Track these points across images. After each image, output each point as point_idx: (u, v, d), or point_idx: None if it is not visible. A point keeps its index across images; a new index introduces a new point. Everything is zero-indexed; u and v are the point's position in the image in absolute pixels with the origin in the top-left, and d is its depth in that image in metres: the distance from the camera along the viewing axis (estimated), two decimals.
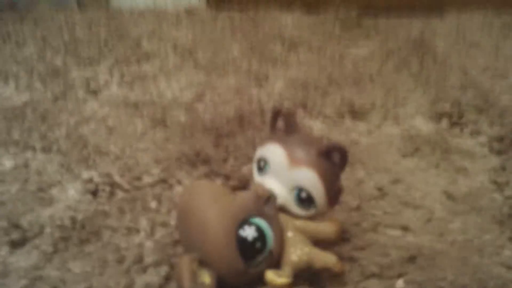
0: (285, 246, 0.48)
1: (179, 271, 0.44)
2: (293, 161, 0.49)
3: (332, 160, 0.49)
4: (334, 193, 0.51)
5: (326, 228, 0.50)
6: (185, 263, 0.44)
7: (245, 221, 0.45)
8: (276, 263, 0.47)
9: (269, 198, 0.47)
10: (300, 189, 0.49)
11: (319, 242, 0.49)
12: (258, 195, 0.47)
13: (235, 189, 0.49)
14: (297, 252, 0.47)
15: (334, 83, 0.94)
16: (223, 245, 0.44)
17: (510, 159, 0.71)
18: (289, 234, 0.48)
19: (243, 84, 0.91)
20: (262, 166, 0.51)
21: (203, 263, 0.44)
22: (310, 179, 0.49)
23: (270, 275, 0.46)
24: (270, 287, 0.47)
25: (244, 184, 0.50)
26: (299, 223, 0.49)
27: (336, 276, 0.48)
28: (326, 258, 0.48)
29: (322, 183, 0.49)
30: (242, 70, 0.97)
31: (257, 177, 0.51)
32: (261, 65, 1.00)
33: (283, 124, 0.51)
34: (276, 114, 0.52)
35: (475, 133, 0.78)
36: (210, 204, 0.46)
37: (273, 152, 0.50)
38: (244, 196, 0.47)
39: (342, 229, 0.51)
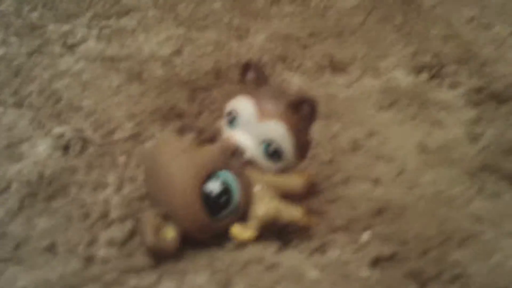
0: (252, 200, 0.48)
1: (142, 226, 0.44)
2: (262, 113, 0.48)
3: (302, 112, 0.49)
4: (303, 146, 0.50)
5: (293, 181, 0.50)
6: (148, 218, 0.44)
7: (210, 175, 0.45)
8: (242, 217, 0.47)
9: (236, 151, 0.47)
10: (269, 142, 0.48)
11: (287, 196, 0.49)
12: (225, 148, 0.47)
13: (205, 143, 0.49)
14: (264, 206, 0.47)
15: (316, 36, 0.92)
16: (187, 199, 0.44)
17: (486, 110, 0.71)
18: (256, 188, 0.48)
19: (223, 38, 0.89)
20: (232, 119, 0.50)
21: (167, 218, 0.44)
22: (279, 131, 0.48)
23: (236, 229, 0.46)
24: (236, 241, 0.47)
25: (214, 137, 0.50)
26: (266, 176, 0.49)
27: (304, 229, 0.48)
28: (293, 212, 0.48)
29: (291, 136, 0.48)
30: (223, 23, 0.95)
31: (228, 131, 0.51)
32: (243, 18, 0.98)
33: (253, 77, 0.51)
34: (246, 66, 0.51)
35: (454, 85, 0.77)
36: (175, 157, 0.46)
37: (243, 104, 0.50)
38: (210, 150, 0.47)
39: (310, 182, 0.51)
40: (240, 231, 0.46)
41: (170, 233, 0.44)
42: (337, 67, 0.82)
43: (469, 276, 0.45)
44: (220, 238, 0.47)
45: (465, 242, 0.49)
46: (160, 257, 0.44)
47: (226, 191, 0.45)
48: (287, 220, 0.48)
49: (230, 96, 0.52)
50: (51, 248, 0.45)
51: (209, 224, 0.45)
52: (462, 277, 0.45)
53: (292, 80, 0.78)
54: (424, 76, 0.80)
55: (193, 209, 0.44)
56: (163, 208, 0.45)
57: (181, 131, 0.61)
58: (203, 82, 0.74)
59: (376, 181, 0.57)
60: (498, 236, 0.50)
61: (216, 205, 0.45)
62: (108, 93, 0.70)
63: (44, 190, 0.52)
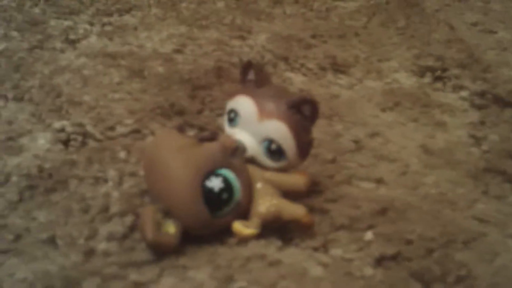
0: (254, 197, 0.47)
1: (142, 222, 0.43)
2: (263, 113, 0.48)
3: (303, 112, 0.49)
4: (304, 146, 0.50)
5: (295, 179, 0.49)
6: (148, 213, 0.43)
7: (211, 172, 0.45)
8: (244, 215, 0.47)
9: (237, 149, 0.47)
10: (270, 141, 0.48)
11: (289, 194, 0.49)
12: (225, 145, 0.46)
13: (204, 140, 0.48)
14: (265, 203, 0.47)
15: (318, 36, 0.92)
16: (188, 195, 0.43)
17: (490, 114, 0.70)
18: (258, 185, 0.48)
19: (225, 36, 0.89)
20: (233, 118, 0.50)
21: (168, 213, 0.44)
22: (280, 131, 0.48)
23: (237, 226, 0.46)
24: (237, 238, 0.46)
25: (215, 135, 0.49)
26: (268, 174, 0.48)
27: (305, 228, 0.48)
28: (294, 210, 0.47)
29: (292, 135, 0.48)
30: (226, 22, 0.95)
31: (228, 129, 0.51)
32: (245, 18, 0.98)
33: (253, 76, 0.50)
34: (247, 66, 0.51)
35: (457, 87, 0.77)
36: (176, 154, 0.45)
37: (243, 104, 0.49)
38: (211, 147, 0.46)
39: (311, 180, 0.50)
40: (242, 228, 0.46)
41: (170, 229, 0.43)
42: (339, 68, 0.82)
43: (474, 278, 0.45)
44: (221, 234, 0.46)
45: (470, 244, 0.49)
46: (161, 252, 0.43)
47: (227, 188, 0.45)
48: (289, 218, 0.47)
49: (230, 95, 0.51)
50: (50, 241, 0.44)
51: (210, 221, 0.44)
52: (467, 278, 0.44)
53: (294, 80, 0.78)
54: (427, 79, 0.80)
55: (194, 206, 0.43)
56: (163, 203, 0.44)
57: (182, 129, 0.61)
58: (204, 80, 0.73)
59: (379, 181, 0.57)
60: (502, 238, 0.50)
61: (217, 202, 0.45)
62: (109, 89, 0.69)
63: (44, 183, 0.51)
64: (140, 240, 0.44)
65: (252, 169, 0.48)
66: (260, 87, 0.50)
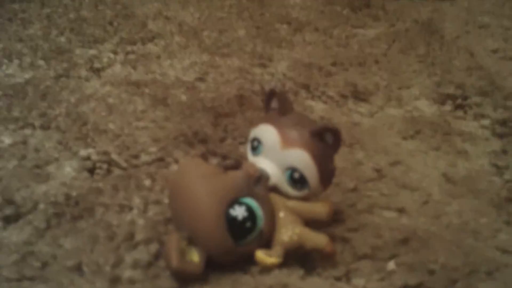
0: (276, 226, 0.48)
1: (167, 250, 0.44)
2: (286, 141, 0.49)
3: (325, 141, 0.49)
4: (327, 174, 0.50)
5: (317, 208, 0.50)
6: (173, 241, 0.44)
7: (235, 201, 0.45)
8: (266, 243, 0.47)
9: (260, 177, 0.47)
10: (293, 170, 0.48)
11: (311, 223, 0.49)
12: (249, 174, 0.47)
13: (228, 168, 0.49)
14: (288, 232, 0.47)
15: (339, 64, 0.93)
16: (213, 223, 0.44)
17: (511, 142, 0.70)
18: (281, 214, 0.48)
19: (247, 64, 0.90)
20: (256, 146, 0.51)
21: (192, 241, 0.44)
22: (303, 159, 0.48)
23: (260, 255, 0.46)
24: (260, 267, 0.46)
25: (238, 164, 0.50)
26: (291, 203, 0.49)
27: (327, 257, 0.48)
28: (317, 239, 0.47)
29: (315, 164, 0.48)
30: (247, 50, 0.96)
31: (251, 157, 0.51)
32: (266, 45, 0.99)
33: (277, 105, 0.51)
34: (271, 94, 0.52)
35: (479, 116, 0.77)
36: (201, 182, 0.46)
37: (266, 132, 0.50)
38: (235, 175, 0.47)
39: (334, 209, 0.51)
40: (264, 257, 0.46)
41: (194, 257, 0.44)
42: (359, 96, 0.83)
43: None
44: (244, 262, 0.47)
45: (493, 274, 0.49)
46: (185, 279, 0.44)
47: (251, 216, 0.45)
48: (311, 247, 0.47)
49: (253, 123, 0.52)
50: (77, 268, 0.45)
51: (233, 249, 0.45)
52: None
53: (315, 108, 0.78)
54: (448, 107, 0.80)
55: (218, 234, 0.44)
56: (188, 232, 0.45)
57: (205, 157, 0.62)
58: (226, 108, 0.74)
59: (401, 210, 0.57)
60: None
61: (241, 230, 0.45)
62: (133, 117, 0.70)
63: (70, 211, 0.52)
64: (165, 268, 0.45)
65: (274, 198, 0.49)
66: (283, 115, 0.50)
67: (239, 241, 0.45)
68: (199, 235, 0.44)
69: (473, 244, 0.53)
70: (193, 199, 0.45)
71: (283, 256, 0.47)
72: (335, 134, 0.49)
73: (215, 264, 0.45)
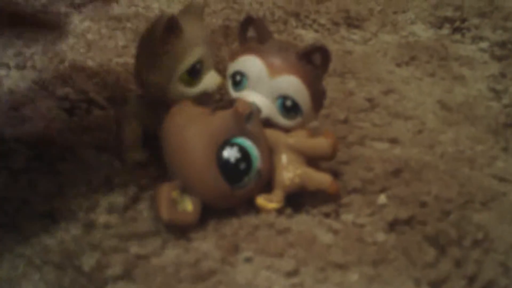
0: (276, 168, 0.45)
1: (157, 201, 0.41)
2: (273, 69, 0.45)
3: (313, 62, 0.46)
4: (319, 97, 0.47)
5: (320, 143, 0.46)
6: (163, 192, 0.40)
7: (226, 142, 0.42)
8: (266, 184, 0.45)
9: (251, 114, 0.44)
10: (284, 98, 0.45)
11: (315, 160, 0.47)
12: (239, 111, 0.43)
13: (217, 109, 0.46)
14: (289, 174, 0.45)
15: None
16: (204, 168, 0.41)
17: (511, 65, 0.67)
18: (281, 155, 0.45)
19: None
20: (239, 81, 0.47)
21: (185, 190, 0.42)
22: (293, 85, 0.45)
23: (261, 201, 0.44)
24: (262, 212, 0.44)
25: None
26: (291, 140, 0.46)
27: (331, 196, 0.46)
28: (320, 179, 0.45)
29: (306, 88, 0.45)
30: None
31: (234, 94, 0.48)
32: None
33: (255, 33, 0.48)
34: (246, 22, 0.48)
35: (477, 38, 0.74)
36: (188, 126, 0.43)
37: (249, 63, 0.47)
38: (223, 115, 0.44)
39: (337, 142, 0.47)
40: (265, 203, 0.44)
41: (188, 205, 0.41)
42: (353, 22, 0.79)
43: (492, 240, 0.42)
44: (244, 207, 0.44)
45: (488, 204, 0.47)
46: (180, 230, 0.42)
47: (244, 157, 0.43)
48: (314, 188, 0.45)
49: (231, 56, 0.49)
50: (50, 214, 0.43)
51: (230, 193, 0.42)
52: (484, 241, 0.42)
53: (305, 37, 0.75)
54: (445, 30, 0.77)
55: (210, 179, 0.41)
56: (180, 180, 0.42)
57: None
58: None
59: (394, 141, 0.54)
60: None
61: (235, 173, 0.42)
62: (113, 53, 0.67)
63: (48, 153, 0.50)
64: (143, 211, 0.43)
65: (274, 135, 0.46)
66: (263, 43, 0.47)
67: (235, 184, 0.43)
68: (192, 182, 0.42)
69: (468, 173, 0.51)
70: (181, 145, 0.42)
71: (284, 200, 0.45)
72: (323, 53, 0.46)
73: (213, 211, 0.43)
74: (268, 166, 0.44)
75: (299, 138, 0.46)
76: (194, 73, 0.47)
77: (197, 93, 0.48)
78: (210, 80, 0.48)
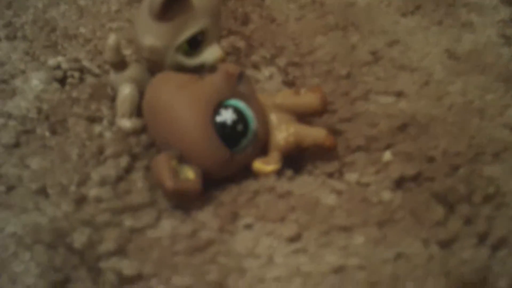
0: (270, 127, 0.44)
1: (157, 172, 0.39)
2: None
3: None
4: None
5: (308, 98, 0.45)
6: (162, 162, 0.38)
7: (219, 105, 0.41)
8: (263, 145, 0.43)
9: (241, 74, 0.42)
10: None
11: (305, 115, 0.45)
12: (228, 73, 0.42)
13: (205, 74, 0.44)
14: (283, 134, 0.43)
15: None
16: (202, 135, 0.40)
17: None
18: (271, 116, 0.44)
19: None
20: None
21: (183, 159, 0.40)
22: None
23: (258, 165, 0.42)
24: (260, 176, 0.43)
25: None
26: (279, 99, 0.45)
27: (327, 150, 0.44)
28: (314, 134, 0.43)
29: None
30: None
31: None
32: None
33: None
34: None
35: None
36: (177, 95, 0.41)
37: None
38: (213, 79, 0.42)
39: (326, 97, 0.45)
40: (263, 166, 0.42)
41: (189, 175, 0.39)
42: None
43: (503, 195, 0.40)
44: (244, 174, 0.43)
45: (500, 156, 0.44)
46: (185, 201, 0.40)
47: (240, 118, 0.41)
48: (310, 143, 0.43)
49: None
50: (42, 191, 0.41)
51: (230, 157, 0.41)
52: (496, 196, 0.40)
53: None
54: None
55: (210, 145, 0.40)
56: (176, 150, 0.40)
57: None
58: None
59: (399, 94, 0.52)
60: None
61: (233, 134, 0.41)
62: (106, 18, 0.65)
63: (41, 126, 0.48)
64: (136, 182, 0.41)
65: (260, 97, 0.44)
66: None
67: (234, 147, 0.41)
68: (190, 152, 0.40)
69: (478, 124, 0.48)
70: (173, 115, 0.40)
71: (281, 160, 0.43)
72: None
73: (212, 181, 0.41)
74: (264, 126, 0.43)
75: (285, 97, 0.45)
76: (195, 44, 0.45)
77: (194, 64, 0.46)
78: (210, 53, 0.46)
